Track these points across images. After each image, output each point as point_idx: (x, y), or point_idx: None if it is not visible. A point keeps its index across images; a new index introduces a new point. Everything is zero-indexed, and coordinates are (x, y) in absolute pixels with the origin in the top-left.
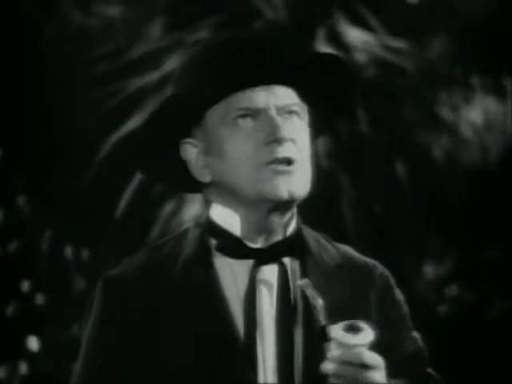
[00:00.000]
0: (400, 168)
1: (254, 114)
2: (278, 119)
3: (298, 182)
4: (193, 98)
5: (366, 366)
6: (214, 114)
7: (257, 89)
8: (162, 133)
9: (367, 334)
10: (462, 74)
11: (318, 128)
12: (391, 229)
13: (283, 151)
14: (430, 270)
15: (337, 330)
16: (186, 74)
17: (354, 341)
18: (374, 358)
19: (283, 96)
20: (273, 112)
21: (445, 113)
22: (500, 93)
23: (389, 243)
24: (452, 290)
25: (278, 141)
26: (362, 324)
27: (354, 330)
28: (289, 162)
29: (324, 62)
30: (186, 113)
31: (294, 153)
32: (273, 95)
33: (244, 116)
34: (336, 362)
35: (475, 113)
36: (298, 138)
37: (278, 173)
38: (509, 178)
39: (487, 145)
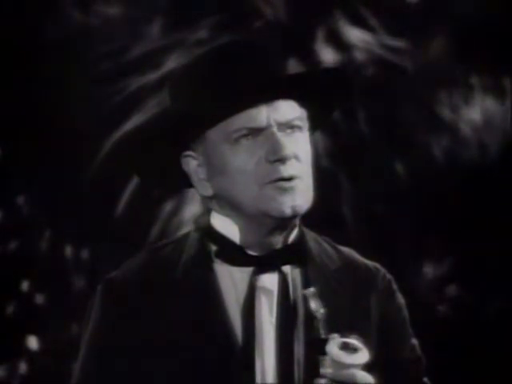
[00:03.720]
0: (400, 168)
1: (255, 132)
2: (280, 136)
3: (301, 197)
4: (193, 119)
5: None
6: (215, 132)
7: (258, 105)
8: (160, 145)
9: (362, 354)
10: (461, 73)
11: (315, 124)
12: (391, 229)
13: (287, 169)
14: (429, 270)
15: (333, 347)
16: (184, 89)
17: (348, 360)
18: (367, 380)
19: (285, 111)
20: (274, 129)
21: (445, 112)
22: (500, 93)
23: (389, 243)
24: (452, 289)
25: (281, 160)
26: (359, 344)
27: (350, 349)
28: (291, 178)
29: (326, 75)
30: (186, 131)
31: (296, 169)
32: (275, 111)
33: (246, 135)
34: (328, 380)
35: (475, 112)
36: (300, 153)
37: (282, 190)
38: (509, 177)
39: (487, 144)
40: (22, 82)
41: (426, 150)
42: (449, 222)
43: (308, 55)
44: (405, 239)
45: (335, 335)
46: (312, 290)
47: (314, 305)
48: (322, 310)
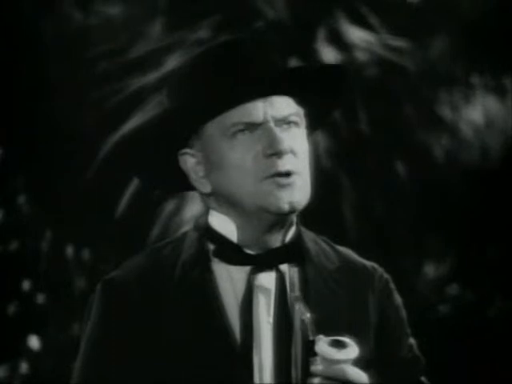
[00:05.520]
0: (400, 168)
1: (252, 127)
2: (277, 131)
3: (299, 192)
4: (190, 114)
5: (349, 382)
6: (212, 127)
7: (254, 100)
8: (158, 143)
9: (352, 350)
10: (462, 73)
11: (314, 123)
12: (391, 229)
13: (284, 164)
14: (430, 270)
15: (322, 345)
16: (181, 86)
17: (338, 356)
18: (358, 374)
19: (281, 107)
20: (271, 124)
21: (445, 112)
22: (500, 92)
23: (389, 243)
24: (452, 289)
25: (277, 154)
26: (348, 340)
27: (339, 345)
28: (289, 173)
29: (323, 71)
30: (183, 126)
31: (294, 164)
32: (271, 106)
33: (243, 130)
34: (320, 377)
35: (475, 112)
36: (297, 148)
37: (279, 186)
38: (509, 177)
39: (487, 144)
40: (21, 81)
41: (426, 150)
42: (449, 222)
43: (309, 55)
44: (405, 239)
45: (321, 336)
46: (296, 294)
47: (299, 309)
48: (307, 314)
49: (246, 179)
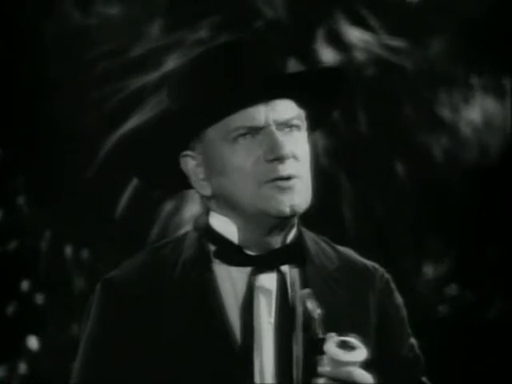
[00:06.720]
0: (400, 168)
1: (254, 131)
2: (279, 135)
3: (300, 196)
4: (191, 118)
5: None
6: (214, 131)
7: (256, 104)
8: (158, 144)
9: (360, 352)
10: (461, 73)
11: (314, 123)
12: (391, 229)
13: (285, 169)
14: (429, 270)
15: (330, 346)
16: (181, 87)
17: (346, 358)
18: (365, 377)
19: (283, 110)
20: (273, 128)
21: (444, 113)
22: (499, 93)
23: (388, 243)
24: (452, 289)
25: (279, 159)
26: (356, 342)
27: (347, 347)
28: (290, 177)
29: (324, 74)
30: (184, 130)
31: (295, 169)
32: (273, 111)
33: (244, 134)
34: (326, 378)
35: (475, 112)
36: (298, 152)
37: (281, 189)
38: (508, 177)
39: (487, 144)
40: (21, 81)
41: (426, 150)
42: (449, 222)
43: (308, 55)
44: (405, 239)
45: (332, 334)
46: (308, 290)
47: (310, 305)
48: (318, 311)
49: (247, 183)
